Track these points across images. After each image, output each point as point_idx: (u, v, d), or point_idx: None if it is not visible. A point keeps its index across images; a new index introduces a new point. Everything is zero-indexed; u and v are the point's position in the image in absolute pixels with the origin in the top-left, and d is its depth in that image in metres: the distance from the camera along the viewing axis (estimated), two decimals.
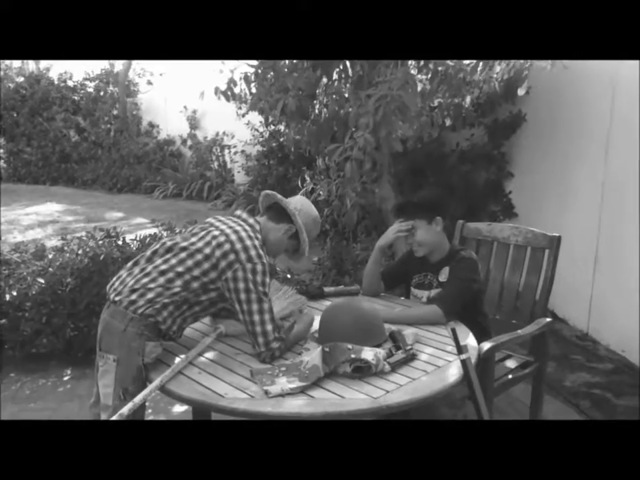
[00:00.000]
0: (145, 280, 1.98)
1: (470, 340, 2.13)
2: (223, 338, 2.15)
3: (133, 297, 1.95)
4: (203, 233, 2.06)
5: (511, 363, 2.61)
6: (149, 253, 2.08)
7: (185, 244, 2.03)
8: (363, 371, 1.81)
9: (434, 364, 1.94)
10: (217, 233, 2.03)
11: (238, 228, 2.05)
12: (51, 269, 3.77)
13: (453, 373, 1.87)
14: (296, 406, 1.68)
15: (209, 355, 2.03)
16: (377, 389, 1.75)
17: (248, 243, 2.00)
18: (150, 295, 1.95)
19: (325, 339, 2.01)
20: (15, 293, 3.64)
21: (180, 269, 1.98)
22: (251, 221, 2.13)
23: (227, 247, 1.99)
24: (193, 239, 2.05)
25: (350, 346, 1.86)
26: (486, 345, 2.19)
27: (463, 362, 1.73)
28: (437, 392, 1.76)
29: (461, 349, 1.73)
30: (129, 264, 2.09)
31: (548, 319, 2.52)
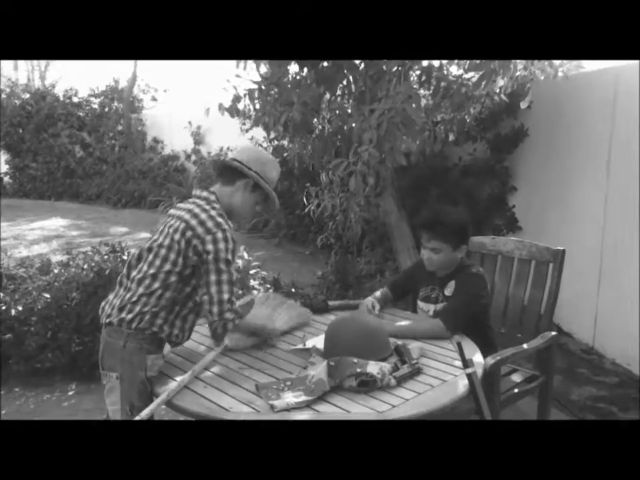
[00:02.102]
0: (128, 295, 1.98)
1: (476, 354, 2.12)
2: (228, 352, 2.15)
3: (123, 314, 1.95)
4: (162, 227, 2.06)
5: (516, 377, 2.60)
6: (125, 270, 2.07)
7: (148, 245, 2.03)
8: (368, 385, 1.81)
9: (440, 378, 1.93)
10: (172, 221, 2.02)
11: (191, 207, 2.02)
12: (56, 284, 3.78)
13: (459, 387, 1.86)
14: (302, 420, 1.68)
15: (214, 369, 2.03)
16: (382, 403, 1.75)
17: (203, 216, 1.97)
18: (138, 307, 1.95)
19: (330, 353, 2.01)
20: (20, 308, 3.66)
21: (152, 270, 1.97)
22: (205, 194, 2.08)
23: (182, 227, 1.96)
24: (155, 236, 2.04)
25: (355, 360, 1.86)
26: (491, 359, 2.18)
27: (469, 376, 1.73)
28: (443, 406, 1.76)
29: (466, 363, 1.73)
30: (116, 287, 2.09)
31: (553, 333, 2.52)
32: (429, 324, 2.36)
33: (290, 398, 1.75)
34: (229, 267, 1.95)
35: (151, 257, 1.99)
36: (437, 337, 2.27)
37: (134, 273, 2.01)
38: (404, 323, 2.46)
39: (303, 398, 1.75)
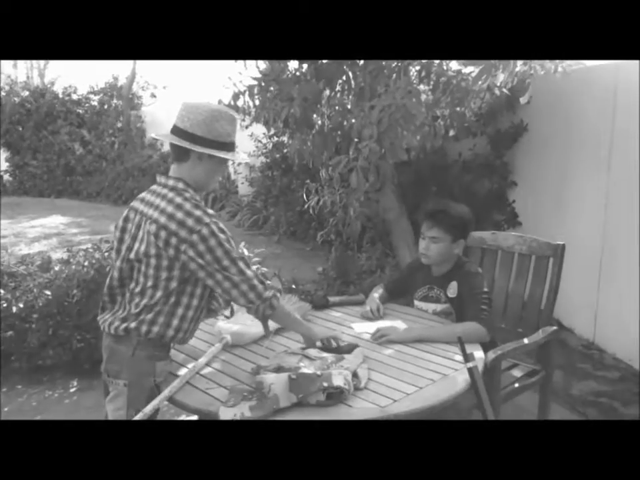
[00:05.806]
0: (131, 306, 1.88)
1: (476, 349, 2.12)
2: (229, 348, 2.16)
3: (130, 324, 1.86)
4: (136, 231, 1.89)
5: (517, 372, 2.60)
6: (115, 283, 1.95)
7: (133, 255, 1.87)
8: (334, 398, 1.73)
9: (441, 372, 1.94)
10: (148, 225, 1.84)
11: (163, 204, 1.83)
12: (57, 281, 3.78)
13: (460, 381, 1.87)
14: (303, 415, 1.68)
15: (216, 365, 2.03)
16: (384, 398, 1.76)
17: (179, 215, 1.79)
18: (145, 317, 1.85)
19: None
20: (21, 305, 3.66)
21: (150, 282, 1.85)
22: (171, 182, 1.89)
23: (163, 234, 1.79)
24: (137, 245, 1.87)
25: (319, 372, 1.77)
26: (492, 354, 2.19)
27: (470, 370, 1.73)
28: (444, 400, 1.77)
29: (467, 357, 1.73)
30: (107, 304, 1.98)
31: (554, 327, 2.52)
32: (468, 328, 2.25)
33: (246, 410, 1.66)
34: (232, 257, 1.80)
35: (143, 267, 1.85)
36: (478, 341, 2.20)
37: (132, 285, 1.89)
38: (437, 326, 2.37)
39: (256, 412, 1.65)
